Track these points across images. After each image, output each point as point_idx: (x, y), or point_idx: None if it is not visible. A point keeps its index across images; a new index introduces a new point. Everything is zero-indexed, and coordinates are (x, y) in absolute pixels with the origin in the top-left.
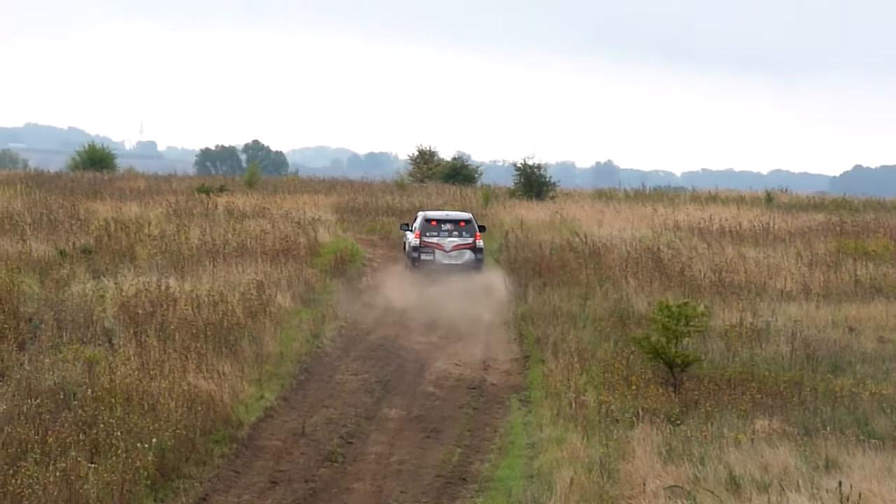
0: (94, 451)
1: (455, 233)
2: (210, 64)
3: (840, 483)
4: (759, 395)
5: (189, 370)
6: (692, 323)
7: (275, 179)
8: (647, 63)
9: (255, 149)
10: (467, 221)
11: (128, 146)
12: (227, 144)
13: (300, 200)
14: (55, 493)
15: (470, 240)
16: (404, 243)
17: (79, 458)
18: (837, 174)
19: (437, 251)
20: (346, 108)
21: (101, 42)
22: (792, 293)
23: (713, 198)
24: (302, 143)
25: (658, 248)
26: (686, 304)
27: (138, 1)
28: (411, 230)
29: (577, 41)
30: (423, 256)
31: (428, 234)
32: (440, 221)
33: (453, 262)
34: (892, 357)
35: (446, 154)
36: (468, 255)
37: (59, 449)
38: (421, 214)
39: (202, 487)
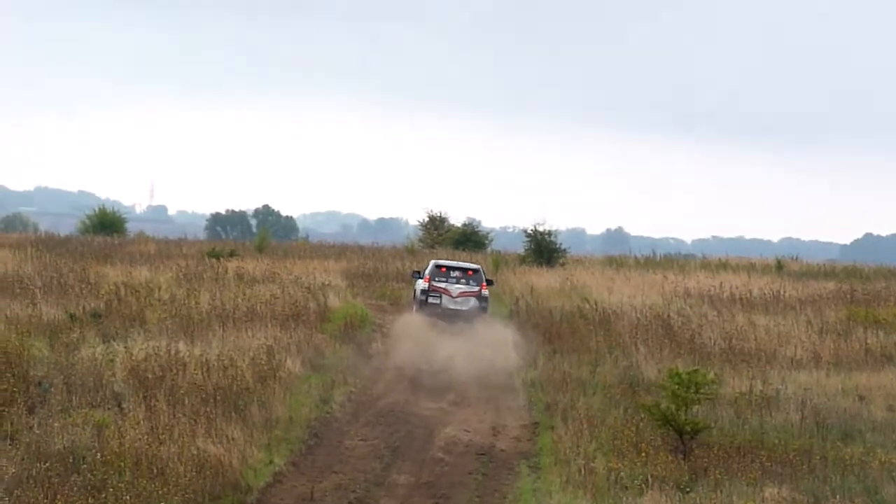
0: None
1: (463, 280)
2: (221, 129)
3: None
4: (769, 463)
5: (198, 435)
6: (702, 390)
7: (285, 244)
8: (656, 131)
9: (266, 213)
10: (475, 271)
11: (138, 210)
12: (237, 209)
13: (310, 266)
14: None
15: (476, 288)
16: (414, 290)
17: None
18: (848, 242)
19: (443, 296)
20: (356, 173)
21: (112, 107)
22: (802, 361)
23: (723, 265)
24: (312, 208)
25: (668, 316)
26: (696, 371)
27: (149, 66)
28: (422, 277)
29: (588, 109)
30: (431, 300)
31: (437, 279)
32: (449, 269)
33: (458, 307)
34: None
35: (457, 220)
36: (473, 302)
37: None
38: (433, 262)
39: None
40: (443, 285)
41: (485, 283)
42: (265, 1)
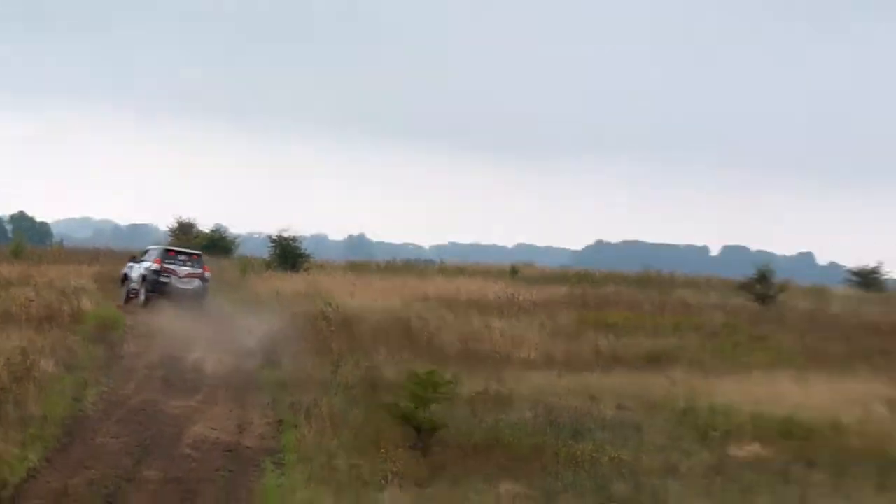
0: None
1: (189, 263)
2: None
3: None
4: (504, 460)
5: None
6: (440, 390)
7: (40, 250)
8: (394, 139)
9: (21, 219)
10: (199, 255)
11: None
12: None
13: (64, 270)
14: None
15: (199, 270)
16: (124, 274)
17: None
18: (580, 248)
19: (173, 277)
20: (109, 179)
21: None
22: (536, 362)
23: (461, 270)
24: (66, 213)
25: (408, 319)
26: (433, 372)
27: None
28: (139, 262)
29: (333, 116)
30: (162, 279)
31: (167, 261)
32: (177, 252)
33: (185, 287)
34: (630, 424)
35: (205, 226)
36: (197, 282)
37: None
38: (159, 246)
39: None
40: (172, 267)
41: (207, 267)
42: None
